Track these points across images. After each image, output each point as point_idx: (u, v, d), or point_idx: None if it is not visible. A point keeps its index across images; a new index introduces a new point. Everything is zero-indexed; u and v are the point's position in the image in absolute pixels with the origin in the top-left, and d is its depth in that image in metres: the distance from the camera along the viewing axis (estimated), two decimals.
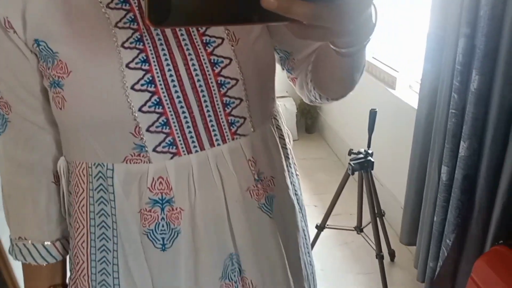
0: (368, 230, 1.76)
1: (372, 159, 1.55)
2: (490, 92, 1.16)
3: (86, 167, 0.64)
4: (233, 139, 0.64)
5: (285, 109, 3.08)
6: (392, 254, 2.02)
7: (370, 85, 2.22)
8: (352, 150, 1.58)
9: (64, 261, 0.73)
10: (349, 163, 1.55)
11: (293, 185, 0.77)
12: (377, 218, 1.77)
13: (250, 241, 0.67)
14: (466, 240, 1.32)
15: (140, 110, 0.58)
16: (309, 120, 3.24)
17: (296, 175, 0.80)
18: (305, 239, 0.80)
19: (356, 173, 1.66)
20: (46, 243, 0.69)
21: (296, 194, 0.77)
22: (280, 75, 0.76)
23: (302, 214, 0.80)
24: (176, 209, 0.63)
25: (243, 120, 0.65)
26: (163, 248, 0.64)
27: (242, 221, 0.66)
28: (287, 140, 0.78)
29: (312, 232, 1.85)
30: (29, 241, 0.69)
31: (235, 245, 0.66)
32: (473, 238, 1.30)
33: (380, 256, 1.60)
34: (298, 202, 0.78)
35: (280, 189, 0.72)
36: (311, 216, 1.87)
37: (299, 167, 1.79)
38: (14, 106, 0.64)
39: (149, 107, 0.58)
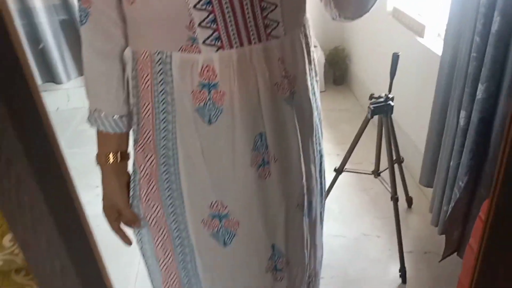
0: (386, 175, 1.81)
1: (392, 103, 1.58)
2: (511, 34, 1.16)
3: (149, 54, 0.78)
4: (267, 39, 0.78)
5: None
6: (409, 201, 2.08)
7: (399, 33, 2.20)
8: (373, 94, 1.61)
9: (127, 133, 0.88)
10: (369, 107, 1.58)
11: (313, 87, 0.91)
12: (396, 164, 1.81)
13: (275, 124, 0.83)
14: (478, 182, 1.36)
15: (194, 7, 0.71)
16: (337, 72, 3.24)
17: (316, 80, 0.95)
18: (318, 133, 0.97)
19: (377, 119, 1.69)
20: (114, 116, 0.84)
21: (314, 95, 0.92)
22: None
23: (318, 113, 0.97)
24: (220, 92, 0.77)
25: (276, 24, 0.77)
26: (209, 122, 0.79)
27: (270, 108, 0.81)
28: (312, 48, 0.91)
29: (331, 176, 1.92)
30: (103, 113, 0.84)
31: (263, 126, 0.82)
32: (485, 181, 1.33)
33: (395, 199, 1.66)
34: (315, 102, 0.94)
35: (301, 87, 0.86)
36: (333, 164, 1.94)
37: (325, 118, 1.86)
38: (95, 2, 0.77)
39: (202, 5, 0.71)
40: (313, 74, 0.92)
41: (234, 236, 0.87)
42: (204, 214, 0.87)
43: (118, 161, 0.87)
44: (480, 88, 1.24)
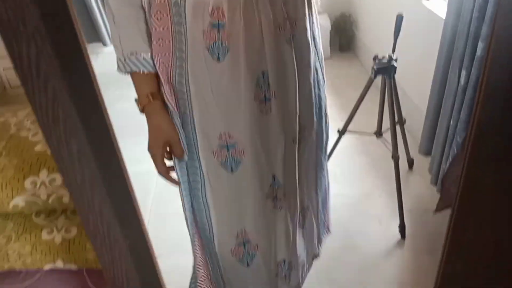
0: (388, 136, 1.86)
1: (395, 64, 1.61)
2: None
3: None
4: None
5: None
6: (410, 162, 2.13)
7: None
8: (377, 55, 1.64)
9: (156, 75, 0.95)
10: (373, 67, 1.62)
11: (312, 31, 1.00)
12: (398, 125, 1.86)
13: (276, 63, 0.92)
14: None
15: None
16: (343, 39, 3.24)
17: (317, 27, 1.04)
18: (317, 76, 1.05)
19: (380, 80, 1.73)
20: (149, 55, 0.92)
21: (314, 39, 1.01)
22: None
23: (319, 58, 1.05)
24: (227, 31, 0.86)
25: None
26: (218, 59, 0.88)
27: (272, 49, 0.90)
28: None
29: (334, 137, 1.98)
30: (140, 55, 0.91)
31: (266, 65, 0.91)
32: None
33: (396, 158, 1.71)
34: (315, 46, 1.02)
35: (301, 30, 0.95)
36: (336, 129, 1.98)
37: (331, 86, 1.85)
38: None
39: None
40: (313, 19, 1.00)
41: (240, 163, 0.95)
42: (214, 145, 0.96)
43: (158, 99, 0.95)
44: (480, 45, 1.27)
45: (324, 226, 1.36)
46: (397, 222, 1.84)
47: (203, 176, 1.00)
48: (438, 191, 1.72)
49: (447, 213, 1.89)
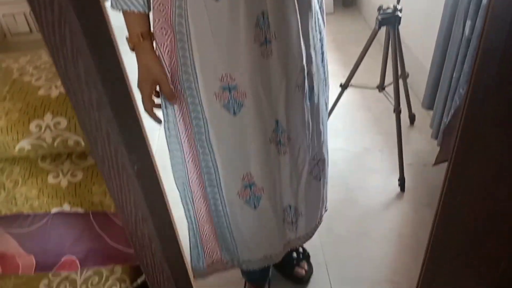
0: (391, 91, 1.86)
1: (400, 14, 1.59)
2: None
3: None
4: None
5: None
6: (412, 118, 2.14)
7: None
8: (382, 6, 1.61)
9: (148, 15, 0.97)
10: (377, 18, 1.59)
11: None
12: (401, 79, 1.85)
13: (276, 3, 0.90)
14: None
15: None
16: None
17: None
18: (318, 21, 1.03)
19: (384, 33, 1.71)
20: None
21: None
22: None
23: (319, 1, 1.03)
24: None
25: None
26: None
27: None
28: None
29: (336, 91, 1.97)
30: None
31: (265, 5, 0.90)
32: None
33: (398, 111, 1.72)
34: None
35: None
36: (338, 84, 1.98)
37: (333, 41, 1.81)
38: None
39: None
40: None
41: (242, 106, 0.96)
42: (215, 87, 0.96)
43: (148, 40, 0.97)
44: None
45: None
46: (397, 176, 1.87)
47: (206, 120, 1.01)
48: (439, 144, 1.73)
49: (445, 167, 1.92)
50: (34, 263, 1.09)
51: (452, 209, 0.80)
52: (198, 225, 1.18)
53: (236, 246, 1.19)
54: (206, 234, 1.22)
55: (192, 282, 0.67)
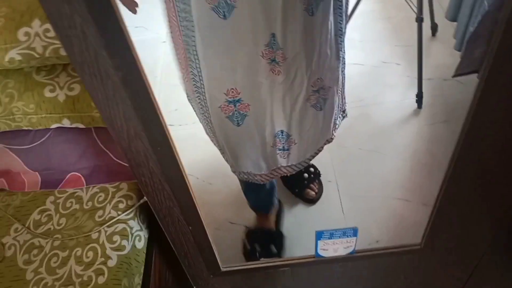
0: None
1: None
2: None
3: None
4: None
5: None
6: (434, 28, 1.99)
7: None
8: None
9: None
10: None
11: None
12: None
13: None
14: None
15: None
16: None
17: None
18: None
19: None
20: None
21: None
22: None
23: None
24: None
25: None
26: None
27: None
28: None
29: None
30: None
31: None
32: None
33: (419, 19, 1.58)
34: None
35: None
36: None
37: None
38: None
39: None
40: None
41: (233, 8, 0.84)
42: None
43: None
44: None
45: (339, 109, 1.24)
46: (415, 91, 1.77)
47: (195, 23, 0.89)
48: (461, 56, 1.61)
49: (467, 82, 1.81)
50: (40, 180, 1.07)
51: (481, 126, 0.73)
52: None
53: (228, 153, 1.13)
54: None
55: (194, 198, 0.63)
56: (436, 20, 1.99)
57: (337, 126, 1.24)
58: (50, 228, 0.98)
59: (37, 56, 0.86)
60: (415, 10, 1.61)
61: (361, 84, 1.90)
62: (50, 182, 1.06)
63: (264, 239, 1.44)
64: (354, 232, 0.81)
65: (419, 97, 1.75)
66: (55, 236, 0.96)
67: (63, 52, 0.85)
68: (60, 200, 1.03)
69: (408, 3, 1.70)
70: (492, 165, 0.77)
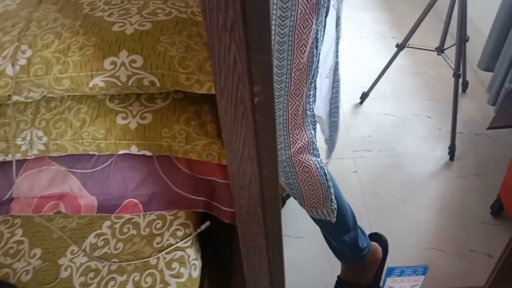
0: (449, 54, 1.78)
1: None
2: None
3: None
4: None
5: None
6: (465, 85, 2.06)
7: None
8: None
9: None
10: None
11: None
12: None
13: None
14: None
15: None
16: None
17: None
18: None
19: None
20: None
21: None
22: None
23: None
24: None
25: None
26: None
27: None
28: None
29: (388, 52, 1.90)
30: None
31: None
32: None
33: (457, 75, 1.65)
34: None
35: None
36: (389, 46, 1.90)
37: (383, 0, 1.65)
38: None
39: None
40: None
41: None
42: None
43: None
44: None
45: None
46: (446, 143, 1.82)
47: None
48: (495, 111, 1.66)
49: (497, 137, 1.86)
50: (96, 205, 1.09)
51: None
52: None
53: None
54: None
55: (281, 229, 0.65)
56: (468, 77, 2.06)
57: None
58: (107, 252, 1.00)
59: (120, 84, 0.91)
60: (452, 66, 1.68)
61: (393, 135, 1.95)
62: (107, 207, 1.08)
63: None
64: (424, 270, 0.82)
65: (452, 149, 1.79)
66: (112, 260, 0.97)
67: (146, 83, 0.89)
68: (117, 225, 1.05)
69: (445, 59, 1.77)
70: None
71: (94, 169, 1.07)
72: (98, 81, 0.90)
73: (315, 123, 1.10)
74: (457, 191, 1.74)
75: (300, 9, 0.89)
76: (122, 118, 0.98)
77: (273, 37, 0.90)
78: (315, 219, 1.20)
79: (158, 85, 0.89)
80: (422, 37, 2.15)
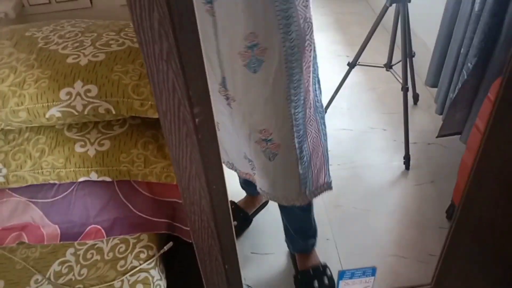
0: (397, 69, 1.88)
1: None
2: None
3: None
4: None
5: None
6: (415, 97, 2.17)
7: None
8: None
9: None
10: None
11: None
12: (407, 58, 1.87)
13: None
14: (487, 66, 1.43)
15: None
16: None
17: None
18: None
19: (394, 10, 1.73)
20: None
21: None
22: None
23: None
24: None
25: None
26: None
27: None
28: None
29: (344, 71, 1.99)
30: None
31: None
32: (495, 65, 1.40)
33: (405, 89, 1.74)
34: None
35: None
36: (343, 65, 2.00)
37: (336, 21, 1.77)
38: None
39: None
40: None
41: None
42: None
43: None
44: None
45: (309, 180, 1.21)
46: (402, 154, 1.90)
47: None
48: (443, 119, 1.76)
49: (449, 145, 1.96)
50: (59, 233, 1.10)
51: (477, 193, 0.83)
52: None
53: None
54: None
55: (235, 240, 0.69)
56: (417, 90, 2.18)
57: (307, 191, 1.21)
58: (71, 279, 1.01)
59: (76, 113, 0.94)
60: (400, 81, 1.78)
61: (351, 148, 2.03)
62: (70, 234, 1.09)
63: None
64: (373, 271, 0.87)
65: (407, 159, 1.87)
66: (77, 286, 0.98)
67: (101, 111, 0.93)
68: (81, 251, 1.06)
69: (393, 74, 1.88)
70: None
71: (55, 198, 1.08)
72: (55, 112, 0.93)
73: (323, 113, 1.16)
74: (415, 198, 1.82)
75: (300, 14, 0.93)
76: (80, 146, 1.01)
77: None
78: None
79: (114, 112, 0.93)
80: (374, 54, 2.27)
